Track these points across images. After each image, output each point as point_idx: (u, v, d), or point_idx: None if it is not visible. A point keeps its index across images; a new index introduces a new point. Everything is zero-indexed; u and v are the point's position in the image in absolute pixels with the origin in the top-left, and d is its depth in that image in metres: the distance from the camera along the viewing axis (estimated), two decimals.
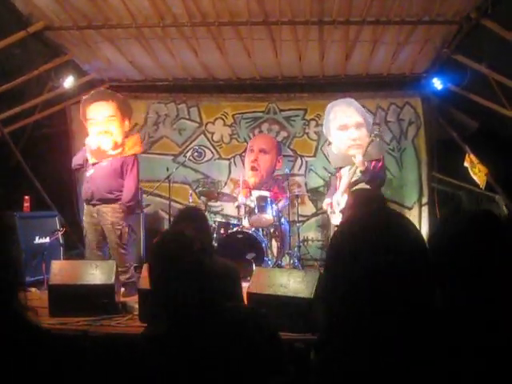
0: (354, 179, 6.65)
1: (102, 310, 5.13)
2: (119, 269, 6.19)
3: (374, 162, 6.80)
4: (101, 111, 6.66)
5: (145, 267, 5.58)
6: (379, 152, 7.16)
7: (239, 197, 7.88)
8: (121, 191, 6.48)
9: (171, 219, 7.92)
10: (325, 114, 7.62)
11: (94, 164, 6.56)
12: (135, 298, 5.88)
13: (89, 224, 6.47)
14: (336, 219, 6.69)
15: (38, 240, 7.41)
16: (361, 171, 6.56)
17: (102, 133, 6.57)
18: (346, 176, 6.85)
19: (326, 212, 7.25)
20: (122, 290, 6.20)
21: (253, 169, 8.76)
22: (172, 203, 8.07)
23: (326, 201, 7.01)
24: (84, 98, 6.85)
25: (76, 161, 6.74)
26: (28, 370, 1.41)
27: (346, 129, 7.21)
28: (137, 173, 6.64)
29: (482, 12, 6.33)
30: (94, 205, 6.43)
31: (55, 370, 1.46)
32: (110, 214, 6.38)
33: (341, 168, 7.07)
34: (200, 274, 2.23)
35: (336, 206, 6.71)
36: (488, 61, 7.04)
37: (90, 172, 6.53)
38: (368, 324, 1.32)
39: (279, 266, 7.42)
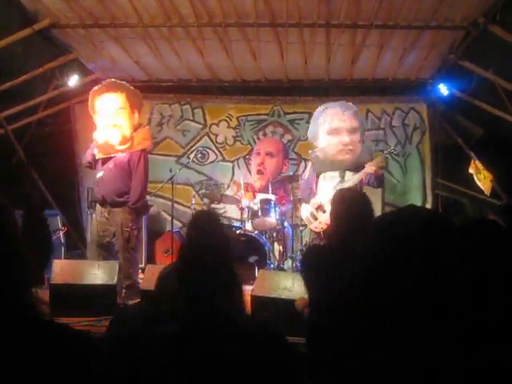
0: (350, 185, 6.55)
1: (103, 311, 5.10)
2: (122, 274, 6.13)
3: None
4: (109, 103, 6.41)
5: (148, 268, 5.56)
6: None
7: (243, 200, 7.78)
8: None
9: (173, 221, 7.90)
10: (313, 117, 7.24)
11: (103, 163, 6.39)
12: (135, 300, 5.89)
13: (99, 223, 6.38)
14: (317, 226, 6.54)
15: None
16: (376, 178, 6.49)
17: (110, 126, 6.34)
18: (329, 182, 6.64)
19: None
20: (124, 292, 6.16)
21: (259, 172, 8.70)
22: (175, 205, 8.03)
23: (307, 208, 6.67)
24: (93, 89, 6.56)
25: (85, 160, 6.64)
26: (36, 363, 1.38)
27: (337, 133, 6.93)
28: (143, 170, 6.37)
29: (490, 18, 6.31)
30: (105, 206, 6.36)
31: (63, 364, 1.43)
32: (120, 215, 6.26)
33: (320, 173, 6.88)
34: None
35: (320, 213, 6.48)
36: (494, 67, 7.01)
37: (99, 174, 6.38)
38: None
39: (281, 270, 7.37)
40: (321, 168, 6.79)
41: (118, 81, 6.71)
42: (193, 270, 2.15)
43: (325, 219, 6.34)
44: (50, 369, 1.40)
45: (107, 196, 6.28)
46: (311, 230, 6.64)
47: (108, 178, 6.31)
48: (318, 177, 6.79)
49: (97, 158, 6.40)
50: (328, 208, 6.27)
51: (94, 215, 6.61)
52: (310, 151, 7.22)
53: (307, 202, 6.70)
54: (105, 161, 6.39)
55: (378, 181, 6.60)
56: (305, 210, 6.71)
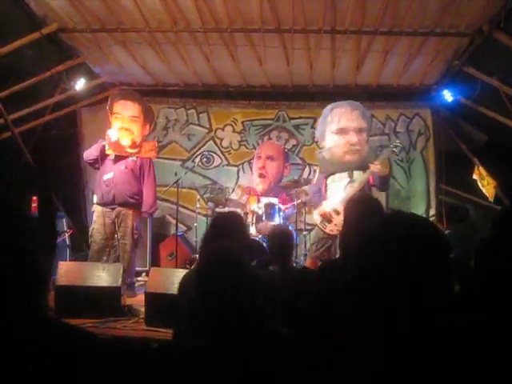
0: (361, 187, 6.53)
1: (108, 313, 5.14)
2: (126, 272, 6.28)
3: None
4: (126, 109, 6.91)
5: (152, 271, 5.60)
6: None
7: (251, 205, 7.80)
8: (140, 195, 6.72)
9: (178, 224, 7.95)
10: (321, 116, 7.33)
11: (113, 163, 6.68)
12: (137, 299, 5.98)
13: (101, 226, 6.55)
14: (332, 228, 6.56)
15: None
16: (380, 179, 6.49)
17: (123, 129, 6.78)
18: (338, 183, 6.67)
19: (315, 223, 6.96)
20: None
21: (261, 176, 8.75)
22: (179, 208, 8.07)
23: (321, 211, 6.70)
24: (115, 92, 7.38)
25: (89, 154, 6.79)
26: (43, 364, 1.40)
27: (345, 133, 6.88)
28: (154, 177, 6.93)
29: (495, 25, 6.34)
30: (113, 208, 6.57)
31: (67, 365, 1.45)
32: (131, 218, 6.59)
33: (329, 175, 6.88)
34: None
35: (334, 215, 6.58)
36: (499, 74, 7.04)
37: (108, 175, 6.64)
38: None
39: None
40: (328, 168, 6.80)
41: (136, 92, 7.34)
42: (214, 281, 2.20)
43: (340, 221, 6.36)
44: (58, 369, 1.42)
45: (119, 196, 6.56)
46: (324, 233, 6.60)
47: (120, 179, 6.62)
48: (326, 178, 6.82)
49: (107, 152, 6.67)
50: (342, 209, 6.32)
51: (94, 219, 6.72)
52: (317, 151, 7.22)
53: (319, 206, 6.73)
54: (114, 161, 6.71)
55: (383, 182, 6.59)
56: (316, 214, 6.73)
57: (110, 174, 6.63)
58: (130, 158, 6.77)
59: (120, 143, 6.72)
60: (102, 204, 6.61)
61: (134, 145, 6.81)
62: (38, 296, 1.48)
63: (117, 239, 6.66)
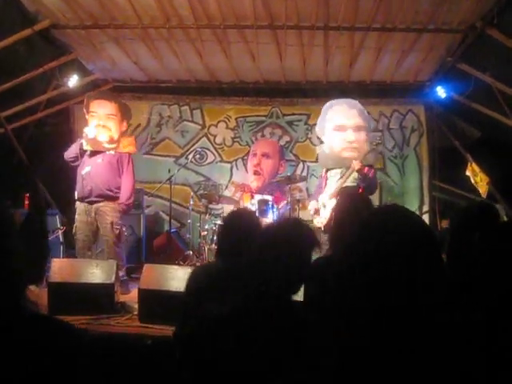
0: (346, 184, 6.57)
1: (101, 309, 5.13)
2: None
3: (367, 169, 6.67)
4: (103, 108, 6.89)
5: (146, 267, 5.59)
6: (375, 159, 7.20)
7: (245, 202, 7.82)
8: (119, 189, 6.64)
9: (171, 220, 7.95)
10: (321, 112, 7.47)
11: (89, 158, 6.65)
12: (130, 296, 5.98)
13: (83, 223, 6.54)
14: (318, 221, 6.64)
15: None
16: (359, 177, 6.50)
17: (100, 126, 6.78)
18: (333, 178, 6.76)
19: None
20: None
21: (256, 173, 8.73)
22: (173, 205, 8.07)
23: (313, 204, 6.88)
24: (89, 93, 7.26)
25: (69, 153, 6.75)
26: (28, 357, 1.40)
27: (343, 130, 6.96)
28: (132, 171, 6.83)
29: (488, 21, 6.36)
30: (91, 202, 6.52)
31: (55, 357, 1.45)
32: (109, 214, 6.51)
33: (328, 170, 6.97)
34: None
35: (322, 208, 6.64)
36: (492, 70, 7.05)
37: (85, 170, 6.58)
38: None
39: None
40: (326, 163, 6.93)
41: (111, 92, 7.55)
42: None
43: (325, 214, 6.48)
44: (41, 362, 1.41)
45: (96, 189, 6.51)
46: (315, 226, 6.68)
47: (97, 172, 6.57)
48: (326, 172, 6.91)
49: (84, 148, 6.65)
50: (328, 203, 6.40)
51: (76, 217, 6.69)
52: (317, 146, 7.29)
53: (314, 199, 6.84)
54: (91, 156, 6.68)
55: (366, 183, 6.55)
56: (311, 206, 6.83)
57: (88, 168, 6.59)
58: (108, 152, 6.74)
59: (97, 139, 6.71)
60: (81, 199, 6.59)
61: (111, 140, 6.80)
62: (20, 294, 1.48)
63: (100, 235, 6.64)
